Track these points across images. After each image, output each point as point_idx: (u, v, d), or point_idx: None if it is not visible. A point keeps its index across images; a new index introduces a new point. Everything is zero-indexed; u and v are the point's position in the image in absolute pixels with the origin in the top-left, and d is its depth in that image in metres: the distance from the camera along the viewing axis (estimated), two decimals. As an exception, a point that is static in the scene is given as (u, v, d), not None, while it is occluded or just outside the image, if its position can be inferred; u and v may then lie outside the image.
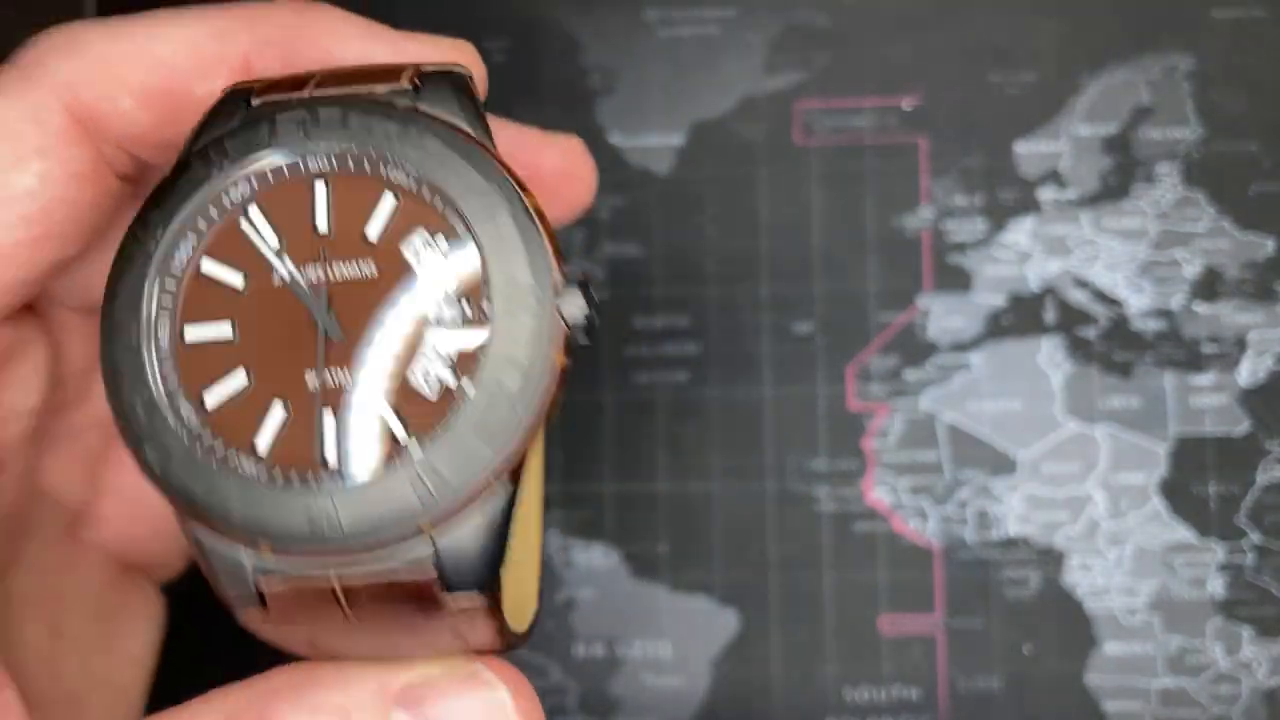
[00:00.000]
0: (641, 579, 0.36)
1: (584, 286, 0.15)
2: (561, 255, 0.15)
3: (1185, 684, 0.35)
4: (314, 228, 0.15)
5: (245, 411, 0.14)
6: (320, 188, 0.15)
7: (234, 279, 0.15)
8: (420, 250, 0.15)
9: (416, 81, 0.16)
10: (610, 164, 0.36)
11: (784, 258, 0.36)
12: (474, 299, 0.14)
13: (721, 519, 0.35)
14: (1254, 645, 0.34)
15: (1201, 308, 0.35)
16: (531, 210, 0.15)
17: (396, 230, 0.15)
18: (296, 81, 0.16)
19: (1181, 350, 0.35)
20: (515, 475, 0.14)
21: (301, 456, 0.14)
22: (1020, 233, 0.36)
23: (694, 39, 0.37)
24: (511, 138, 0.19)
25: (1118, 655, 0.34)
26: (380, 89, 0.16)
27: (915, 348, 0.36)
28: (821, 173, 0.36)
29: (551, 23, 0.37)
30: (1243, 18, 0.36)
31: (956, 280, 0.36)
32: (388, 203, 0.15)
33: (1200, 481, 0.35)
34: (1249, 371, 0.35)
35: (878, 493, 0.35)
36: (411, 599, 0.14)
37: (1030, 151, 0.36)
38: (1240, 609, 0.35)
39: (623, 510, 0.36)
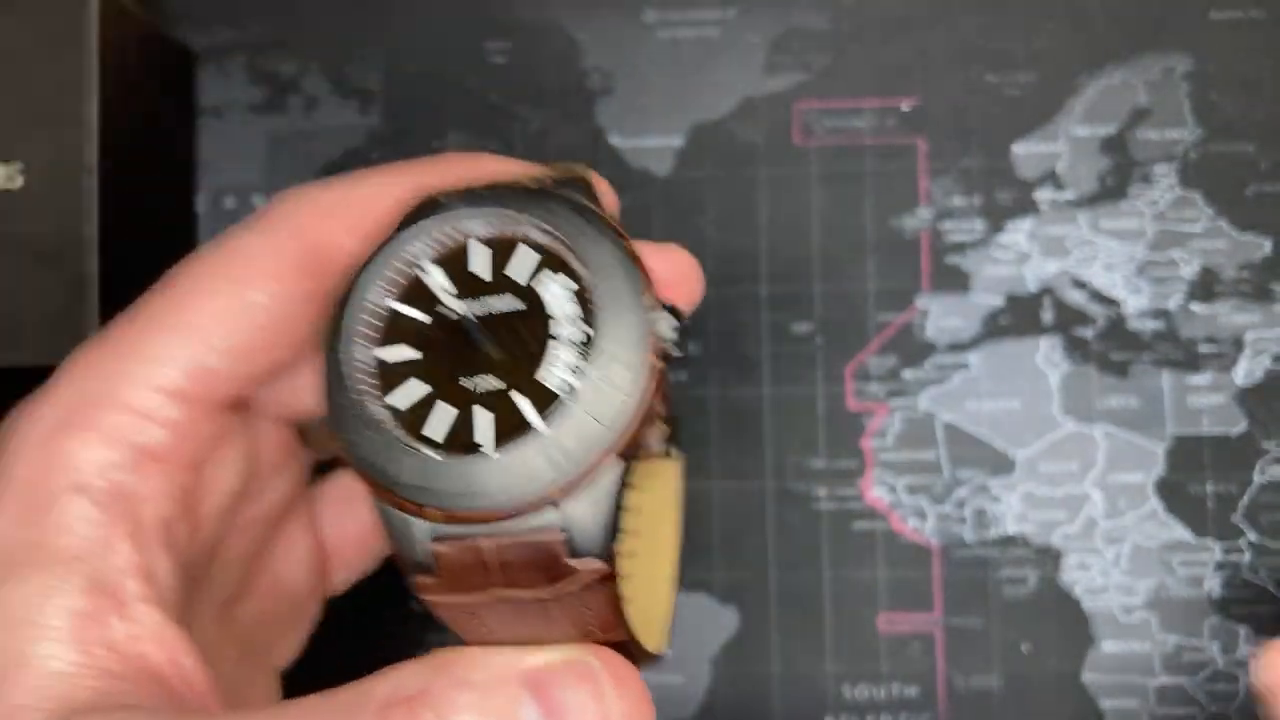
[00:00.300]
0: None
1: (673, 310, 0.19)
2: (653, 285, 0.19)
3: (1182, 682, 0.35)
4: (475, 274, 0.20)
5: (418, 409, 0.19)
6: (476, 245, 0.20)
7: (415, 314, 0.20)
8: (550, 286, 0.19)
9: (553, 182, 0.20)
10: (610, 165, 0.37)
11: (783, 258, 0.36)
12: (589, 319, 0.19)
13: (721, 518, 0.36)
14: (1251, 644, 0.35)
15: (1199, 308, 0.35)
16: (629, 254, 0.19)
17: (532, 273, 0.19)
18: (464, 185, 0.21)
19: (1179, 350, 0.35)
20: (626, 455, 0.18)
21: (461, 440, 0.18)
22: (1018, 233, 0.36)
23: (693, 40, 0.37)
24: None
25: (1115, 653, 0.35)
26: (524, 180, 0.20)
27: (914, 348, 0.36)
28: (821, 173, 0.36)
29: (552, 25, 0.37)
30: (1240, 19, 0.36)
31: (955, 280, 0.36)
32: (526, 253, 0.20)
33: (1197, 481, 0.35)
34: (1246, 371, 0.35)
35: (876, 492, 0.35)
36: (544, 563, 0.18)
37: (1028, 152, 0.36)
38: (1237, 608, 0.35)
39: (623, 509, 0.36)
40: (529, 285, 0.19)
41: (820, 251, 0.36)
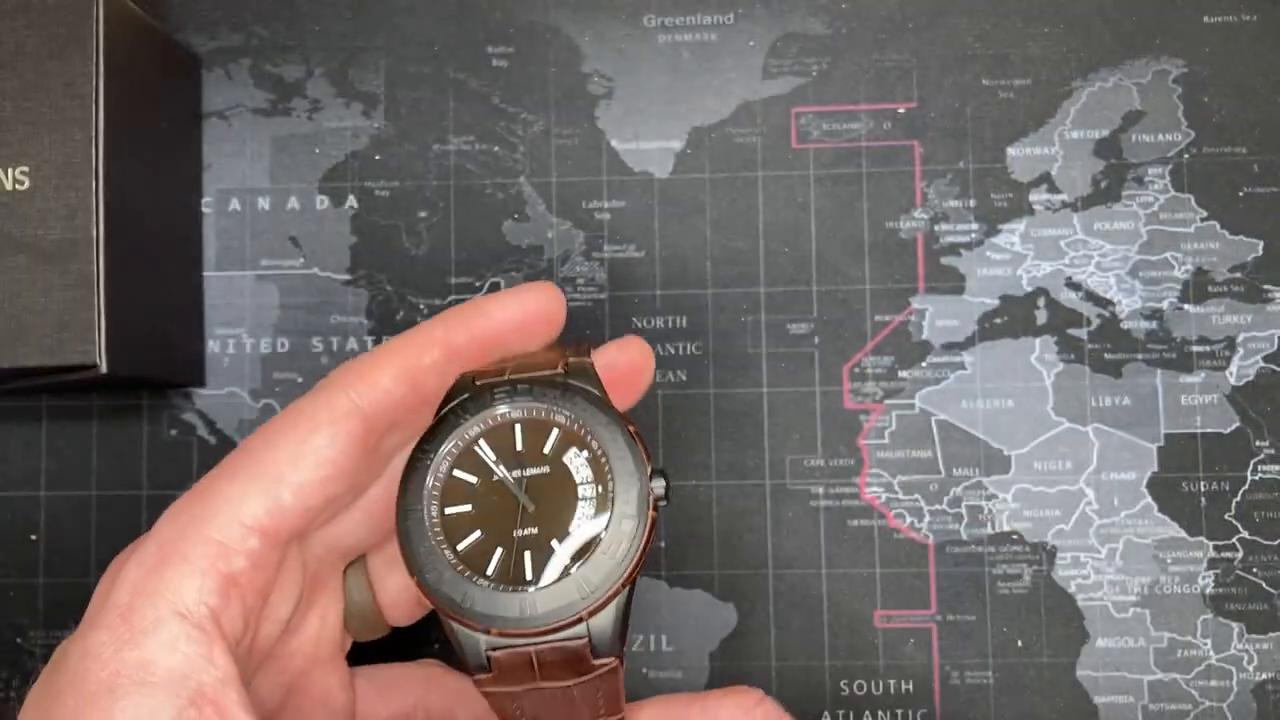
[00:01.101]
0: (641, 574, 0.36)
1: (663, 473, 0.25)
2: (650, 455, 0.25)
3: (1176, 678, 0.35)
4: (515, 448, 0.25)
5: (480, 553, 0.24)
6: (517, 427, 0.25)
7: (471, 479, 0.25)
8: (573, 458, 0.25)
9: (566, 367, 0.26)
10: (611, 168, 0.37)
11: (781, 259, 0.36)
12: (604, 482, 0.25)
13: (720, 516, 0.36)
14: (1243, 640, 0.35)
15: (1191, 308, 0.36)
16: (632, 433, 0.25)
17: (559, 448, 0.25)
18: (499, 371, 0.26)
19: (1172, 350, 0.36)
20: (630, 584, 0.24)
21: (513, 577, 0.24)
22: (1013, 235, 0.36)
23: (693, 45, 0.37)
24: (606, 368, 0.28)
25: (1109, 649, 0.35)
26: (546, 372, 0.26)
27: (910, 348, 0.36)
28: (818, 176, 0.37)
29: (553, 30, 0.37)
30: (1233, 23, 0.37)
31: (950, 281, 0.36)
32: (554, 433, 0.25)
33: (1190, 479, 0.35)
34: (1238, 371, 0.36)
35: (873, 490, 0.36)
36: (573, 663, 0.24)
37: (1023, 155, 0.36)
38: (1230, 604, 0.35)
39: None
40: (557, 457, 0.25)
41: (818, 253, 0.36)
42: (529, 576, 0.24)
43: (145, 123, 0.34)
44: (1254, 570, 0.35)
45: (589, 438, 0.25)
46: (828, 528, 0.36)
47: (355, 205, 0.37)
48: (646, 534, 0.24)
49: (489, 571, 0.24)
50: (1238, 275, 0.36)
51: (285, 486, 0.25)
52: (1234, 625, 0.35)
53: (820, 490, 0.36)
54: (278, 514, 0.25)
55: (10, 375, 0.32)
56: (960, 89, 0.37)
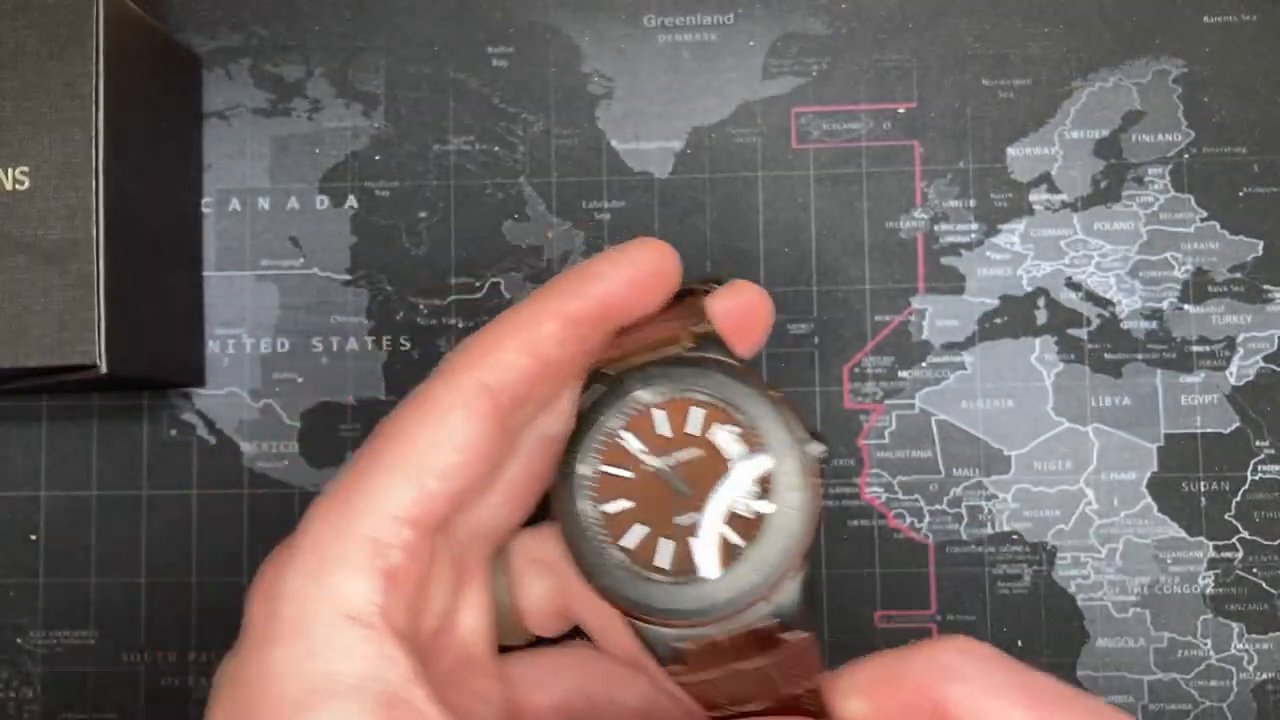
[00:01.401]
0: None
1: (819, 435, 0.24)
2: (800, 417, 0.24)
3: (1176, 678, 0.35)
4: (661, 434, 0.24)
5: (648, 547, 0.24)
6: (659, 413, 0.24)
7: (624, 473, 0.24)
8: (721, 435, 0.24)
9: (694, 340, 0.25)
10: (611, 168, 0.37)
11: (781, 260, 0.36)
12: (758, 454, 0.24)
13: (720, 516, 0.36)
14: (1243, 640, 0.35)
15: (1191, 308, 0.36)
16: (777, 397, 0.24)
17: (704, 426, 0.24)
18: (626, 355, 0.25)
19: (1172, 350, 0.36)
20: (808, 555, 0.24)
21: (686, 567, 0.23)
22: (1013, 235, 0.36)
23: (693, 45, 0.37)
24: (722, 316, 0.27)
25: (1109, 650, 0.35)
26: (674, 349, 0.25)
27: (910, 348, 0.36)
28: (818, 176, 0.37)
29: (553, 30, 0.37)
30: (1233, 23, 0.37)
31: (950, 281, 0.36)
32: (696, 412, 0.24)
33: (1190, 479, 0.35)
34: (1238, 371, 0.36)
35: (873, 490, 0.36)
36: (763, 642, 0.23)
37: (1023, 155, 0.36)
38: (1230, 604, 0.35)
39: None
40: (704, 436, 0.24)
41: (817, 253, 0.36)
42: (701, 564, 0.23)
43: (145, 123, 0.34)
44: (1254, 570, 0.35)
45: (733, 411, 0.24)
46: (828, 528, 0.36)
47: (355, 205, 0.37)
48: (816, 501, 0.23)
49: (661, 565, 0.23)
50: (1238, 275, 0.36)
51: (429, 474, 0.25)
52: (1234, 625, 0.35)
53: (821, 490, 0.36)
54: (426, 502, 0.25)
55: (10, 375, 0.32)
56: (960, 89, 0.37)
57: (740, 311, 0.27)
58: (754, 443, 0.24)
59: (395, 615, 0.24)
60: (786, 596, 0.23)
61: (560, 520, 0.24)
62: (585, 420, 0.25)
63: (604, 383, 0.25)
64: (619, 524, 0.24)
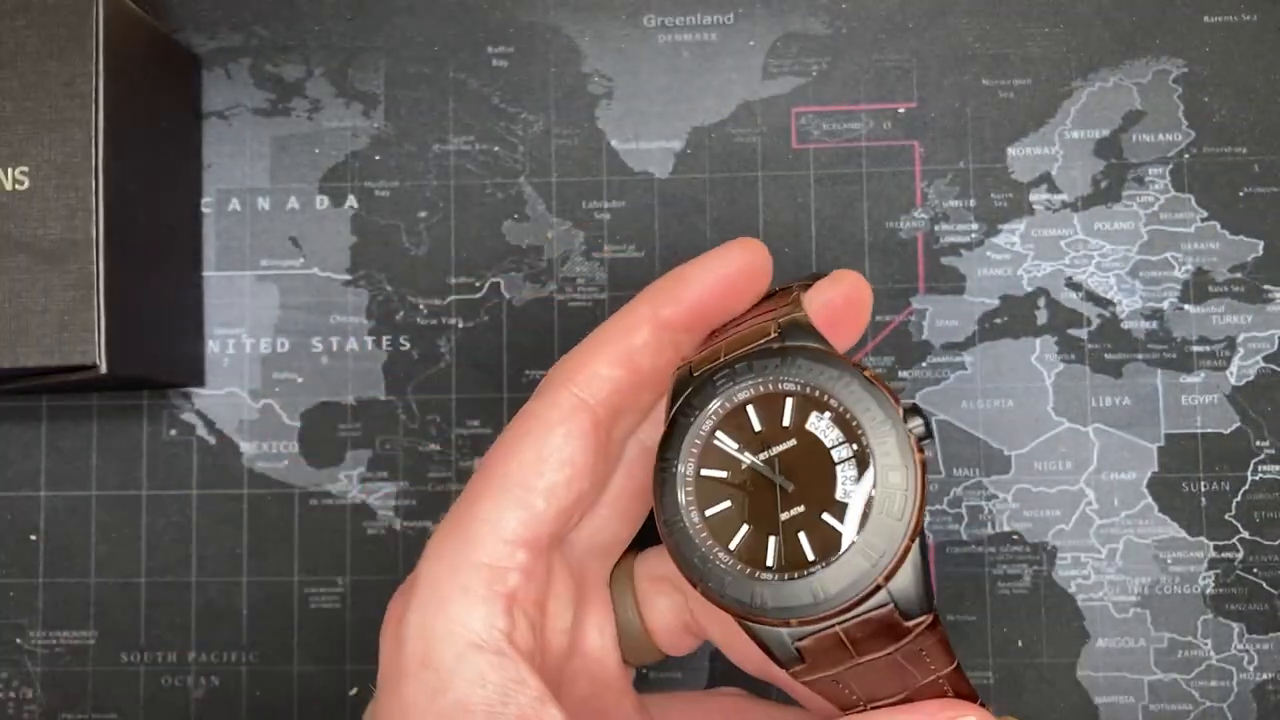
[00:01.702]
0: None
1: (916, 410, 0.23)
2: (896, 395, 0.23)
3: (1176, 678, 0.35)
4: (754, 430, 0.24)
5: (754, 547, 0.23)
6: (749, 408, 0.24)
7: (721, 474, 0.24)
8: (816, 423, 0.23)
9: (778, 329, 0.25)
10: (611, 168, 0.37)
11: (781, 259, 0.36)
12: (856, 439, 0.23)
13: (720, 516, 0.36)
14: (1244, 640, 0.35)
15: (1192, 308, 0.36)
16: (869, 378, 0.23)
17: (799, 417, 0.24)
18: (714, 354, 0.25)
19: (1172, 350, 0.36)
20: (917, 534, 0.23)
21: (795, 562, 0.23)
22: (1013, 235, 0.36)
23: (693, 45, 0.37)
24: (823, 308, 0.27)
25: (1109, 650, 0.35)
26: (760, 341, 0.25)
27: (910, 348, 0.36)
28: (818, 176, 0.37)
29: (553, 30, 0.37)
30: (1233, 23, 0.37)
31: (950, 281, 0.36)
32: (789, 403, 0.24)
33: (1191, 479, 0.35)
34: (1238, 371, 0.36)
35: (873, 490, 0.36)
36: (885, 631, 0.23)
37: (1023, 155, 0.36)
38: (1230, 604, 0.35)
39: (623, 507, 0.36)
40: (800, 427, 0.23)
41: (817, 253, 0.36)
42: (810, 558, 0.22)
43: (145, 123, 0.34)
44: (1254, 570, 0.35)
45: (825, 397, 0.23)
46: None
47: (355, 205, 0.37)
48: (920, 479, 0.23)
49: (769, 563, 0.23)
50: (1238, 275, 0.36)
51: (535, 494, 0.25)
52: (1234, 625, 0.35)
53: (820, 490, 0.36)
54: (535, 523, 0.25)
55: (10, 375, 0.32)
56: (960, 89, 0.37)
57: (841, 302, 0.27)
58: (851, 427, 0.23)
59: (520, 638, 0.24)
60: (903, 582, 0.22)
61: (663, 529, 0.24)
62: (676, 424, 0.24)
63: (693, 383, 0.25)
64: (722, 526, 0.23)
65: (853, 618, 0.22)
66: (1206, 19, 0.37)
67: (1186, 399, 0.35)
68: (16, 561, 0.36)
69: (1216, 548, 0.35)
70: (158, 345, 0.34)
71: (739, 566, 0.23)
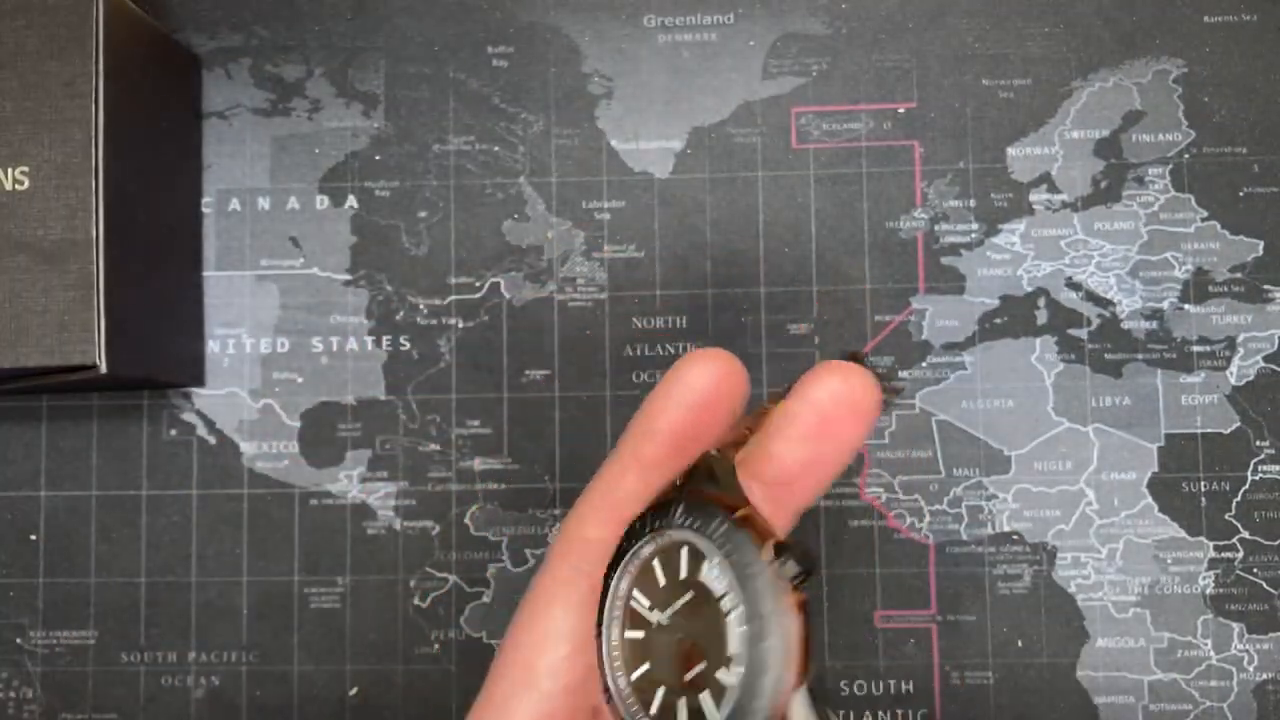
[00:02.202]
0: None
1: (793, 547, 0.22)
2: (769, 533, 0.22)
3: (1176, 678, 0.35)
4: (659, 585, 0.24)
5: (668, 709, 0.23)
6: (654, 562, 0.24)
7: (639, 635, 0.24)
8: (708, 573, 0.23)
9: (681, 477, 0.25)
10: (611, 168, 0.37)
11: (781, 259, 0.36)
12: (741, 584, 0.22)
13: (720, 516, 0.36)
14: (1244, 640, 0.35)
15: (1192, 308, 0.36)
16: (740, 519, 0.23)
17: (692, 566, 0.23)
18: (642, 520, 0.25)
19: (1172, 350, 0.36)
20: (804, 671, 0.22)
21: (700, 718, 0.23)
22: (1013, 235, 0.36)
23: (693, 45, 0.37)
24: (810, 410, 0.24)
25: (1109, 650, 0.35)
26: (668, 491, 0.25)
27: (910, 348, 0.36)
28: (818, 176, 0.37)
29: (553, 30, 0.37)
30: (1233, 23, 0.37)
31: (950, 281, 0.36)
32: (683, 553, 0.23)
33: (1191, 479, 0.35)
34: (1238, 371, 0.36)
35: (873, 490, 0.36)
36: None
37: (1023, 155, 0.36)
38: (1230, 604, 0.35)
39: (623, 507, 0.36)
40: (693, 578, 0.23)
41: (818, 253, 0.36)
42: (708, 714, 0.22)
43: (145, 123, 0.34)
44: (1254, 570, 0.35)
45: (708, 544, 0.23)
46: (828, 528, 0.36)
47: (355, 205, 0.37)
48: (800, 626, 0.22)
49: (679, 718, 0.23)
50: (1238, 275, 0.36)
51: (542, 675, 0.25)
52: (1234, 625, 0.35)
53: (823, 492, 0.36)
54: (546, 704, 0.25)
55: (10, 375, 0.32)
56: (960, 89, 0.37)
57: (816, 419, 0.24)
58: (734, 573, 0.22)
59: None
60: (796, 715, 0.22)
61: (601, 698, 0.24)
62: (606, 587, 0.25)
63: (621, 543, 0.25)
64: (644, 691, 0.24)
65: None
66: (1206, 19, 0.37)
67: (1186, 399, 0.35)
68: (16, 561, 0.36)
69: (1216, 548, 0.35)
70: (158, 345, 0.34)
71: (636, 710, 0.24)
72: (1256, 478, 0.35)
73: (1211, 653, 0.35)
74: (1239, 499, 0.35)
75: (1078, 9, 0.37)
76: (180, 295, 0.36)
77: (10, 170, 0.31)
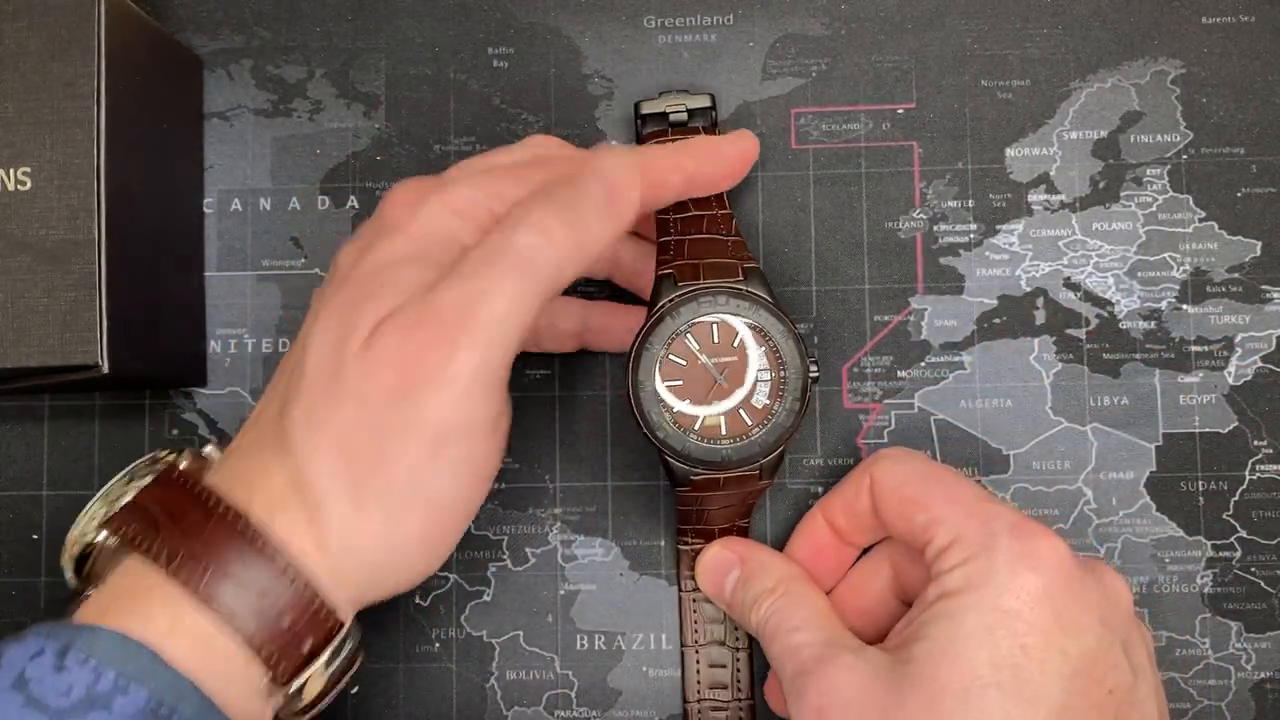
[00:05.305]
0: (641, 573, 0.36)
1: (815, 359, 0.32)
2: (807, 352, 0.32)
3: (1174, 676, 0.35)
4: (713, 340, 0.32)
5: (688, 416, 0.32)
6: (714, 326, 0.32)
7: (680, 361, 0.32)
8: (752, 350, 0.32)
9: (744, 272, 0.33)
10: (611, 168, 0.37)
11: (780, 259, 0.37)
12: (776, 370, 0.32)
13: (719, 515, 0.36)
14: (1242, 639, 0.35)
15: (1190, 308, 0.36)
16: (796, 332, 0.32)
17: (742, 342, 0.32)
18: (694, 273, 0.33)
19: (1170, 350, 0.36)
20: (794, 440, 0.35)
21: (714, 433, 0.32)
22: (1011, 235, 0.36)
23: (692, 46, 0.37)
24: (712, 149, 0.33)
25: (1107, 648, 0.35)
26: (731, 281, 0.32)
27: (909, 347, 0.36)
28: (817, 176, 0.37)
29: (553, 31, 0.38)
30: (1232, 24, 0.37)
31: (949, 281, 0.36)
32: (741, 331, 0.32)
33: (1189, 479, 0.35)
34: (1236, 371, 0.36)
35: (872, 489, 0.36)
36: (746, 484, 0.33)
37: (1021, 156, 0.37)
38: (1228, 603, 0.35)
39: (623, 506, 0.36)
40: (742, 350, 0.32)
41: (817, 253, 0.37)
42: (725, 434, 0.32)
43: (147, 123, 0.34)
44: (1252, 569, 0.35)
45: (766, 337, 0.32)
46: (827, 527, 0.36)
47: (356, 206, 0.37)
48: (805, 404, 0.32)
49: (697, 429, 0.32)
50: (1236, 275, 0.36)
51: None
52: (1232, 624, 0.35)
53: (820, 489, 0.36)
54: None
55: (12, 375, 0.32)
56: (959, 90, 0.37)
57: (737, 157, 0.33)
58: (775, 362, 0.32)
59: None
60: (771, 463, 0.32)
61: (631, 386, 0.32)
62: (662, 319, 0.32)
63: (674, 294, 0.32)
64: (673, 396, 0.32)
65: (732, 474, 0.32)
66: (1205, 20, 0.37)
67: (1184, 399, 0.36)
68: (18, 560, 0.37)
69: (1214, 547, 0.35)
70: (159, 345, 0.34)
71: (674, 425, 0.32)
72: (1254, 477, 0.35)
73: (1210, 651, 0.35)
74: (1237, 498, 0.35)
75: (1076, 10, 0.37)
76: (182, 295, 0.36)
77: (12, 171, 0.31)
